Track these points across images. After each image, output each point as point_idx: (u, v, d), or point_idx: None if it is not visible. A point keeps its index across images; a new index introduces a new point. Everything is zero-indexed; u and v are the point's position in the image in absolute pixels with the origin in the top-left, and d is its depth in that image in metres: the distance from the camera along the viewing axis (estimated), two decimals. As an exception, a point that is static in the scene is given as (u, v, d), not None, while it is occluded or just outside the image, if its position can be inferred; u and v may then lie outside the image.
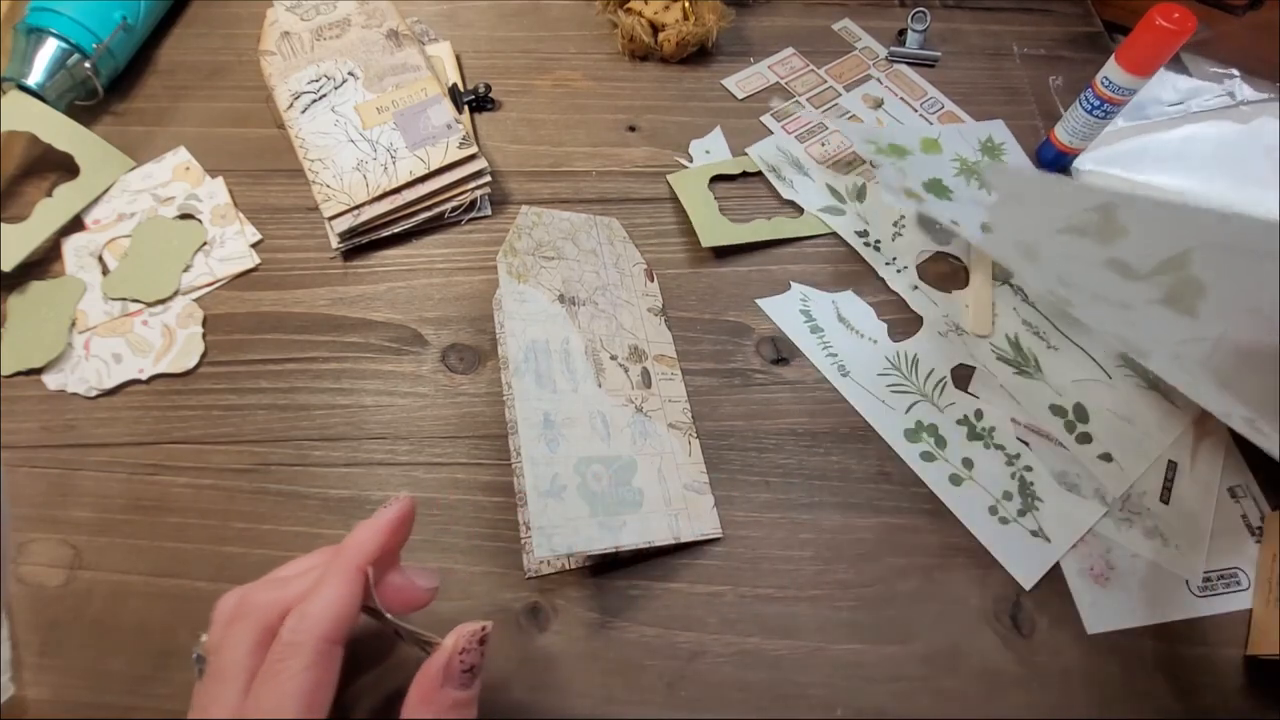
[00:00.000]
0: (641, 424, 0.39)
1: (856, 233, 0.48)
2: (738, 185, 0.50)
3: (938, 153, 0.52)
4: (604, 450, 0.37)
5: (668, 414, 0.41)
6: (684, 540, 0.37)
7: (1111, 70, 0.44)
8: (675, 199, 0.48)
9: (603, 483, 0.36)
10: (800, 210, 0.49)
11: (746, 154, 0.51)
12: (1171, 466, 0.40)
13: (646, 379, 0.41)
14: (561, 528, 0.34)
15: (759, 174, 0.50)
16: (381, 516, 0.28)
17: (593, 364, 0.40)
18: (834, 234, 0.48)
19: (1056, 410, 0.42)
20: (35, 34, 0.47)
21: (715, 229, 0.46)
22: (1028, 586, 0.37)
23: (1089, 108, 0.47)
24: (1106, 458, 0.40)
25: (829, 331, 0.44)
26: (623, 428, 0.39)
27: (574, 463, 0.36)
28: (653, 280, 0.45)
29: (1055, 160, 0.50)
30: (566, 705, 0.34)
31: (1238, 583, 0.38)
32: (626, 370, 0.41)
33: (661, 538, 0.36)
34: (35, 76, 0.46)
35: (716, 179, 0.49)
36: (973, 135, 0.53)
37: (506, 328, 0.39)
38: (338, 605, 0.25)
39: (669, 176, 0.49)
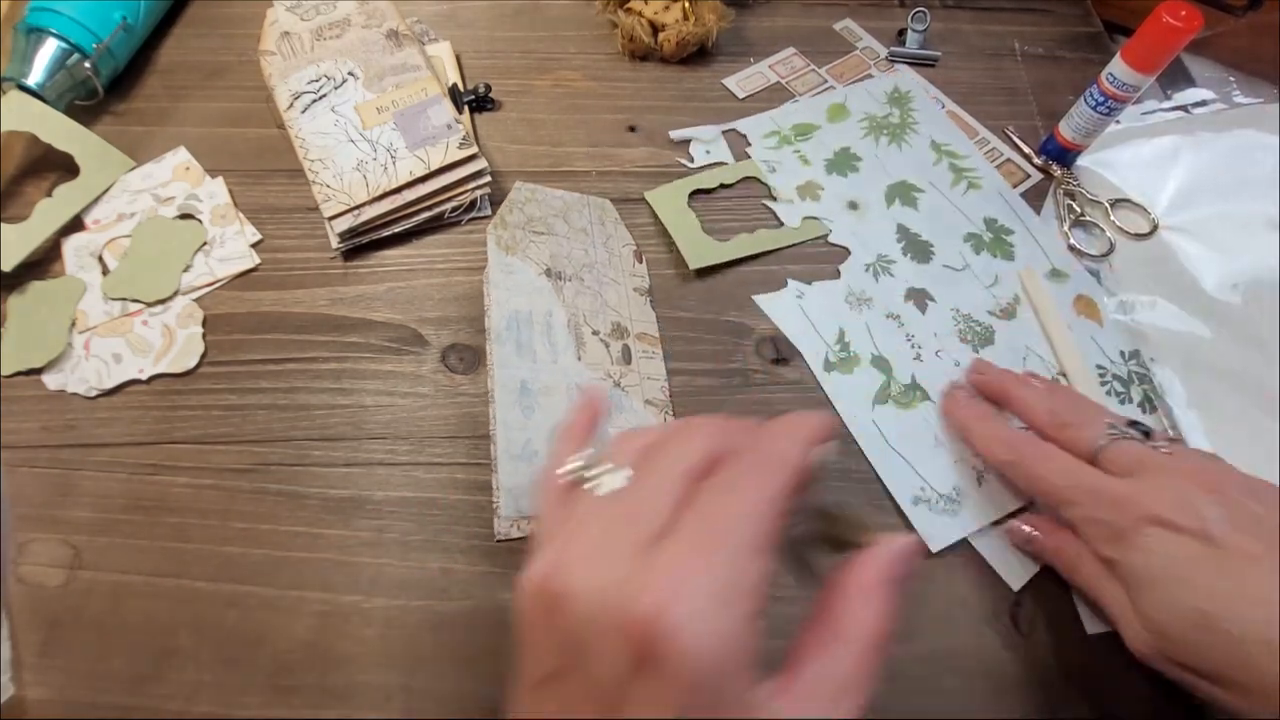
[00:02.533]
0: (618, 398, 0.40)
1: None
2: (718, 195, 0.49)
3: (846, 117, 0.52)
4: None
5: (645, 391, 0.41)
6: None
7: (1117, 67, 0.44)
8: (675, 199, 0.48)
9: None
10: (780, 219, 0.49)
11: (749, 156, 0.51)
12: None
13: (627, 355, 0.41)
14: (530, 491, 0.34)
15: (736, 184, 0.49)
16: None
17: (574, 337, 0.40)
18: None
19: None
20: (35, 34, 0.47)
21: (701, 250, 0.46)
22: (1015, 588, 0.37)
23: (1094, 104, 0.47)
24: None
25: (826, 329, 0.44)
26: None
27: (548, 430, 0.37)
28: (641, 261, 0.46)
29: (1059, 156, 0.50)
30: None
31: (1237, 583, 0.37)
32: (607, 346, 0.41)
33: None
34: (35, 76, 0.46)
35: (696, 192, 0.49)
36: (879, 89, 0.54)
37: (492, 297, 0.39)
38: (802, 453, 0.22)
39: (647, 194, 0.48)
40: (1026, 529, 0.36)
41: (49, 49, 0.47)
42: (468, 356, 0.43)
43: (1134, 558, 0.29)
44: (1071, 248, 0.47)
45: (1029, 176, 0.51)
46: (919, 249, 0.47)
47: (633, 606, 0.18)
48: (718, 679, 0.18)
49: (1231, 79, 0.56)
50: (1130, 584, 0.30)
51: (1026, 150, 0.52)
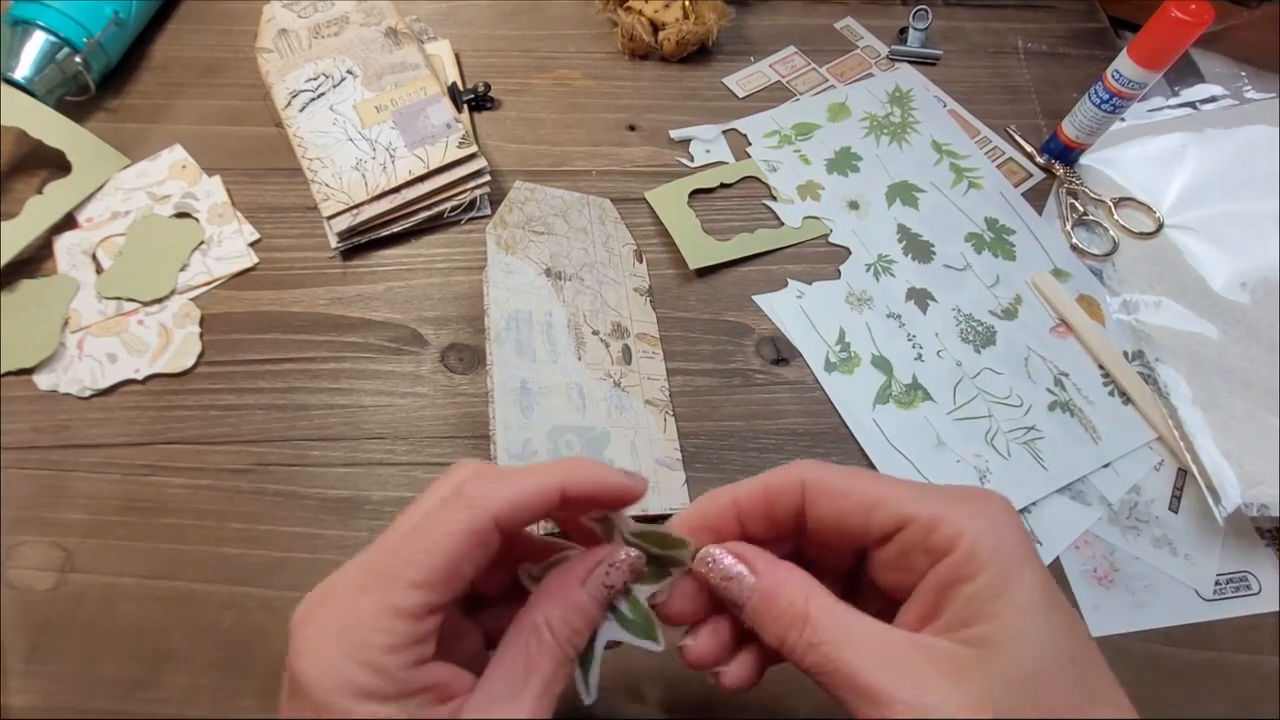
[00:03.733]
0: (618, 398, 0.40)
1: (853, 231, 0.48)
2: (718, 195, 0.49)
3: (847, 116, 0.52)
4: (579, 420, 0.38)
5: (645, 390, 0.41)
6: (651, 513, 0.37)
7: (1123, 63, 0.44)
8: (676, 198, 0.48)
9: (574, 451, 0.37)
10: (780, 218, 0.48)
11: (749, 156, 0.51)
12: (1181, 475, 0.40)
13: (627, 355, 0.41)
14: None
15: (736, 184, 0.49)
16: (616, 473, 0.24)
17: (574, 337, 0.40)
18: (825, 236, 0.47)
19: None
20: (21, 26, 0.46)
21: (700, 250, 0.46)
22: None
23: (1098, 101, 0.46)
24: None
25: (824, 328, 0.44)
26: (599, 400, 0.39)
27: (547, 430, 0.37)
28: (641, 261, 0.45)
29: (1062, 155, 0.50)
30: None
31: (1248, 587, 0.37)
32: (608, 346, 0.41)
33: (629, 509, 0.36)
34: (22, 70, 0.46)
35: (696, 192, 0.48)
36: (880, 88, 0.54)
37: (491, 297, 0.39)
38: (525, 493, 0.22)
39: (647, 194, 0.48)
40: None
41: (36, 42, 0.46)
42: (467, 356, 0.42)
43: None
44: (1074, 247, 0.47)
45: (1030, 176, 0.51)
46: (920, 249, 0.47)
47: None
48: (328, 701, 0.20)
49: (1243, 74, 0.55)
50: None
51: (1029, 149, 0.51)
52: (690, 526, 0.25)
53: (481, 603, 0.27)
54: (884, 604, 0.24)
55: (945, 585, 0.21)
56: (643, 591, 0.25)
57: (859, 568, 0.26)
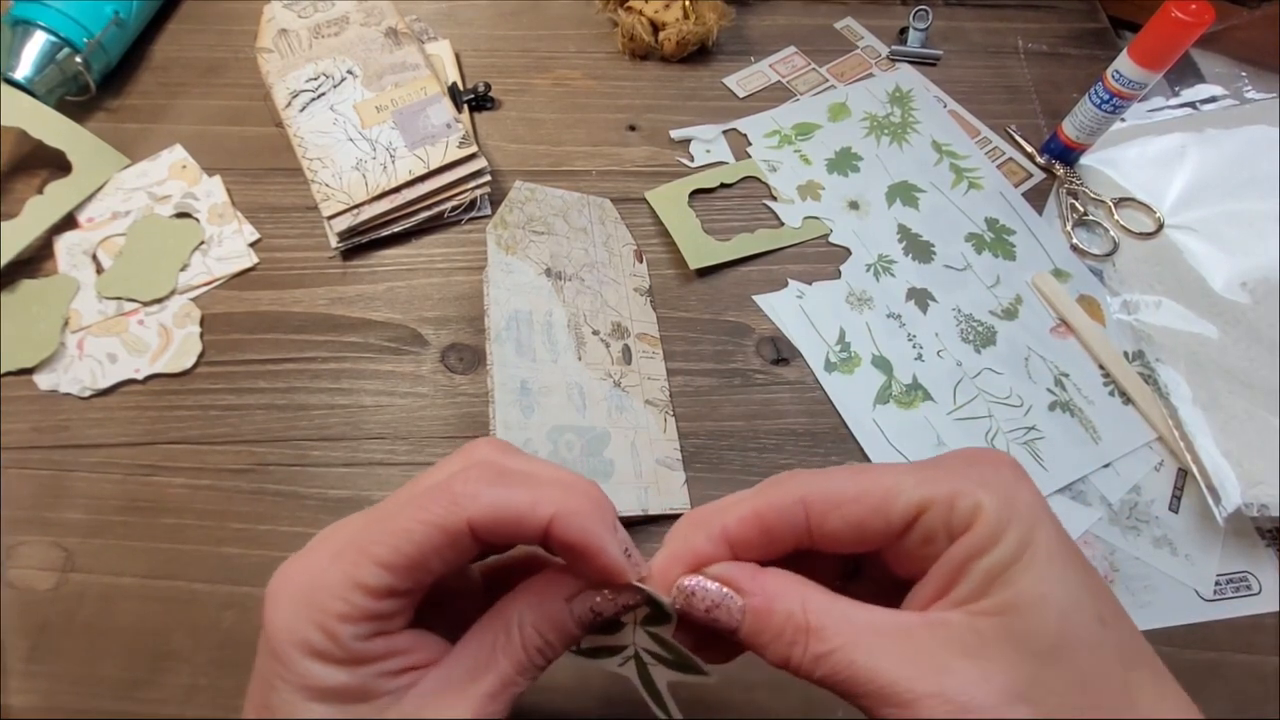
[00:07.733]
0: (618, 398, 0.40)
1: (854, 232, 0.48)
2: (718, 195, 0.49)
3: (847, 116, 0.52)
4: (578, 420, 0.38)
5: (646, 391, 0.41)
6: (651, 513, 0.37)
7: (1124, 64, 0.44)
8: (676, 198, 0.48)
9: (575, 451, 0.37)
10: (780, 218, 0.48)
11: (749, 155, 0.51)
12: (1181, 475, 0.40)
13: (627, 355, 0.41)
14: None
15: (736, 184, 0.49)
16: (614, 546, 0.22)
17: (574, 337, 0.40)
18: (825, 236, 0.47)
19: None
20: (21, 26, 0.46)
21: (701, 250, 0.46)
22: None
23: (1098, 101, 0.46)
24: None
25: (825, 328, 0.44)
26: (599, 400, 0.39)
27: (547, 430, 0.37)
28: (641, 261, 0.45)
29: (1062, 155, 0.50)
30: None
31: (1248, 587, 0.37)
32: (608, 345, 0.41)
33: (629, 508, 0.37)
34: (23, 70, 0.46)
35: (697, 192, 0.48)
36: (880, 88, 0.54)
37: (492, 296, 0.39)
38: (509, 510, 0.21)
39: (647, 194, 0.48)
40: None
41: (37, 42, 0.46)
42: (467, 356, 0.42)
43: None
44: (1074, 247, 0.47)
45: (1031, 176, 0.51)
46: (920, 249, 0.47)
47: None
48: (283, 651, 0.20)
49: (1243, 74, 0.55)
50: None
51: (1029, 149, 0.51)
52: (681, 563, 0.23)
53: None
54: (888, 587, 0.23)
55: (964, 560, 0.20)
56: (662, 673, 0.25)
57: (853, 560, 0.25)
